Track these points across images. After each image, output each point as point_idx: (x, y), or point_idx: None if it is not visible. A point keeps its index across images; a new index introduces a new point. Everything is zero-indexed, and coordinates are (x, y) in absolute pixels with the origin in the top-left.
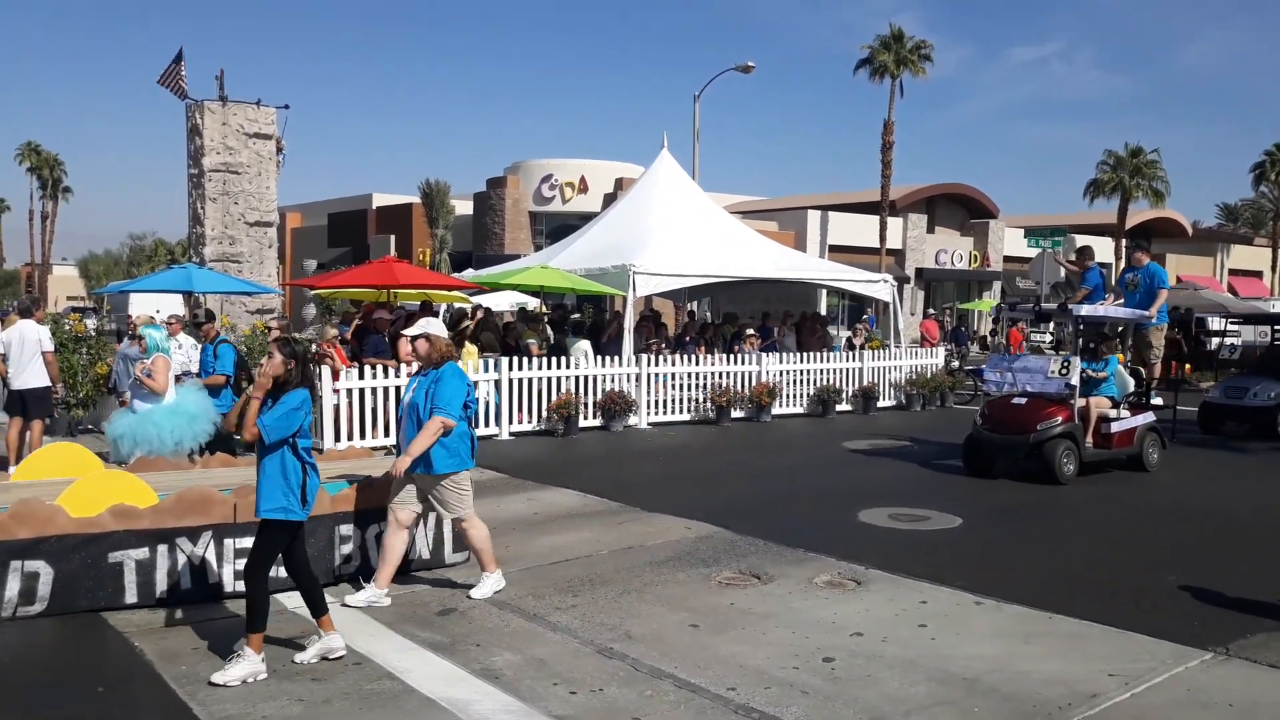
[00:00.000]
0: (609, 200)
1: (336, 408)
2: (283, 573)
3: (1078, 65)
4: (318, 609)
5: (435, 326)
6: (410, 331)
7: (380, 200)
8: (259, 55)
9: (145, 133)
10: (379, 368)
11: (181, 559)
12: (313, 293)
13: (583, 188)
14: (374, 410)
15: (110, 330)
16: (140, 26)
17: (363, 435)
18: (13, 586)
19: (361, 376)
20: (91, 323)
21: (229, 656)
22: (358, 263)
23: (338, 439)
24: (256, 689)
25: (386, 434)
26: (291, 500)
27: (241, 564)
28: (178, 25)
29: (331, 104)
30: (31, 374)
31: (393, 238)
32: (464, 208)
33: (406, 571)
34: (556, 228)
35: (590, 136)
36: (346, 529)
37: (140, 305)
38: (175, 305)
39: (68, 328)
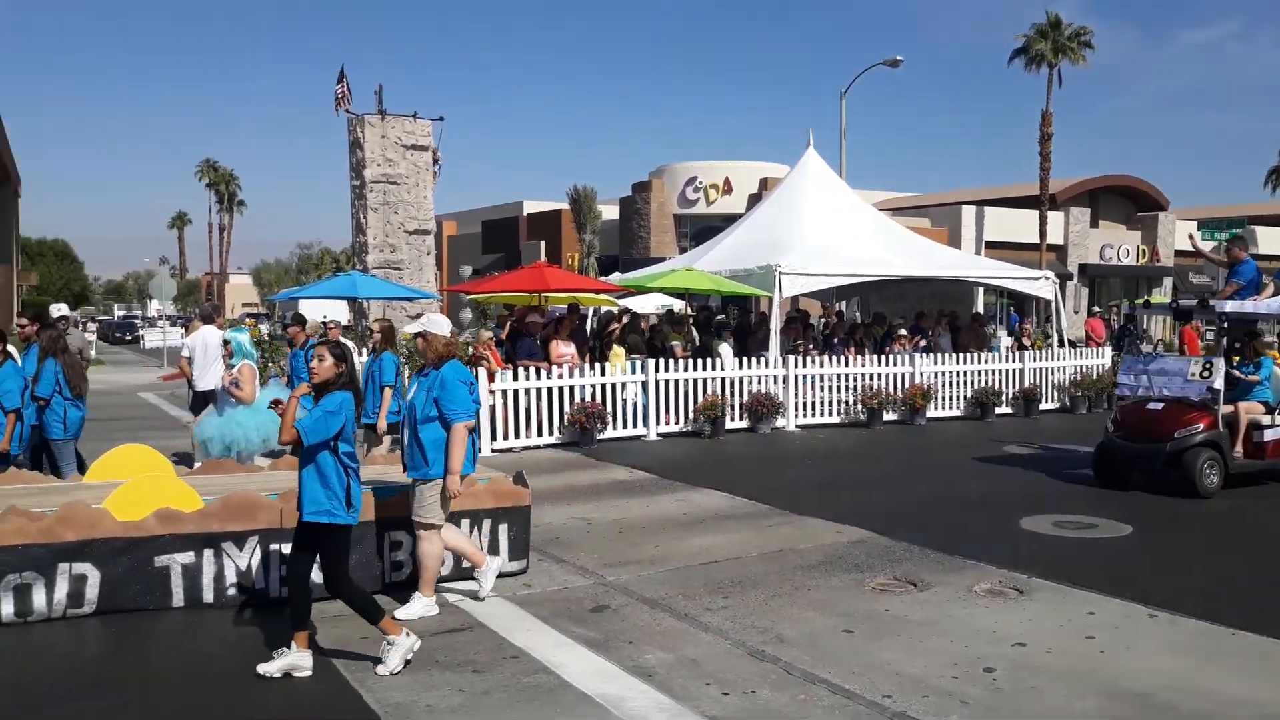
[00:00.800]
0: (753, 201)
1: (492, 408)
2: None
3: (1255, 45)
4: (299, 622)
5: (434, 324)
6: (411, 329)
7: (530, 207)
8: (415, 70)
9: (311, 147)
10: (531, 369)
11: (228, 564)
12: (469, 297)
13: (727, 189)
14: (527, 410)
15: (281, 335)
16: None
17: (517, 435)
18: (61, 588)
19: (515, 378)
20: (265, 328)
21: (383, 648)
22: (510, 268)
23: (493, 438)
24: (420, 679)
25: (540, 433)
26: (335, 504)
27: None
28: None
29: (484, 116)
30: (213, 376)
31: (543, 243)
32: (610, 212)
33: (449, 577)
34: (701, 230)
35: (735, 137)
36: (398, 535)
37: (309, 311)
38: (340, 311)
39: (244, 332)
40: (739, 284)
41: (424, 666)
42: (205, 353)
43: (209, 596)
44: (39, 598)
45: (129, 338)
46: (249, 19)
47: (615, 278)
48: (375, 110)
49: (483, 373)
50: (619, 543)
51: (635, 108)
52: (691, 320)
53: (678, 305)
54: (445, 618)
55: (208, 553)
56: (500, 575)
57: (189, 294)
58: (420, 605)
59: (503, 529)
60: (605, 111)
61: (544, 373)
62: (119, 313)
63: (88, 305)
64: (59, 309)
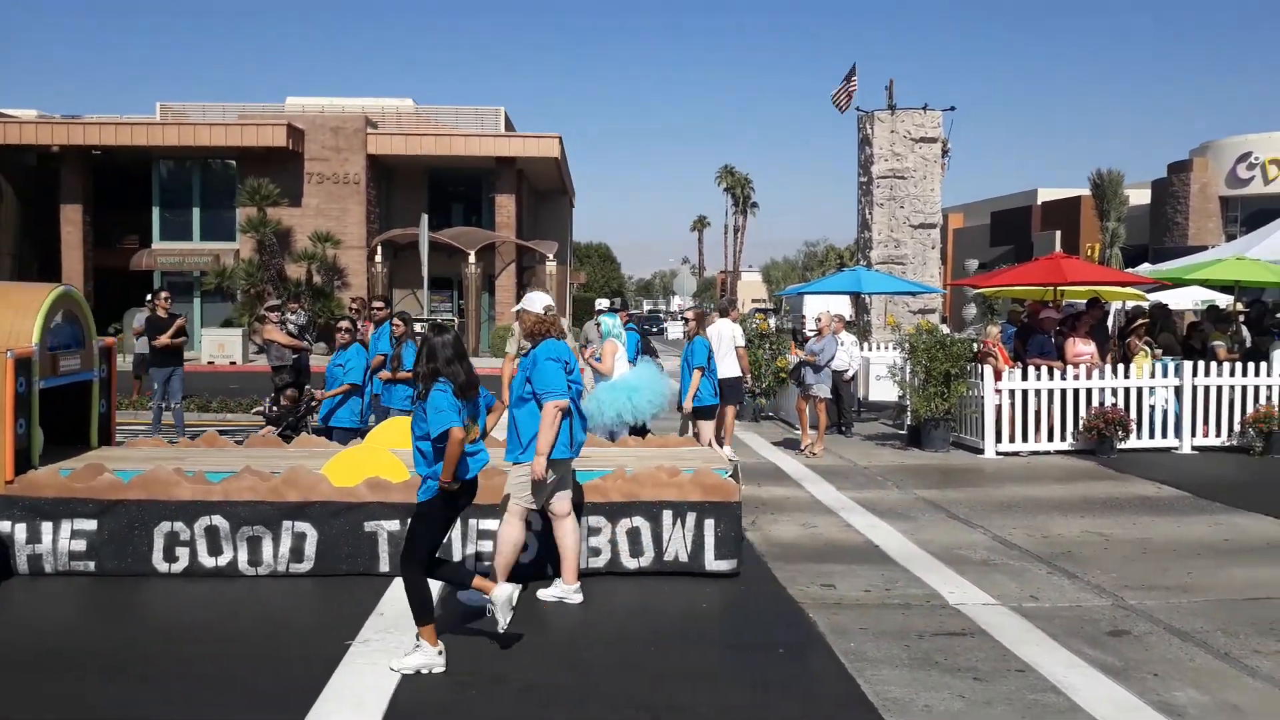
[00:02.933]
0: None
1: (998, 408)
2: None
3: None
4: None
5: (528, 301)
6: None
7: (1045, 195)
8: (928, 59)
9: (819, 148)
10: (1043, 368)
11: None
12: (974, 292)
13: None
14: (1036, 413)
15: (787, 329)
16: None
17: (1025, 438)
18: (285, 543)
19: (1025, 377)
20: (773, 322)
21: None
22: (1020, 261)
23: (999, 440)
24: (919, 678)
25: (1050, 439)
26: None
27: (485, 545)
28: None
29: (996, 102)
30: (727, 365)
31: (1058, 233)
32: (1138, 197)
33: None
34: (1255, 213)
35: None
36: (596, 520)
37: (813, 306)
38: (843, 306)
39: (754, 326)
40: None
41: (923, 666)
42: (720, 343)
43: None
44: (267, 550)
45: (655, 330)
46: (763, 32)
47: (1145, 269)
48: (885, 106)
49: (988, 371)
50: (1142, 564)
51: (1170, 83)
52: (1241, 318)
53: (1223, 301)
54: (946, 620)
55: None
56: (708, 575)
57: (705, 290)
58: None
59: (709, 524)
60: (1135, 89)
61: (1058, 373)
62: (646, 307)
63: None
64: (602, 303)
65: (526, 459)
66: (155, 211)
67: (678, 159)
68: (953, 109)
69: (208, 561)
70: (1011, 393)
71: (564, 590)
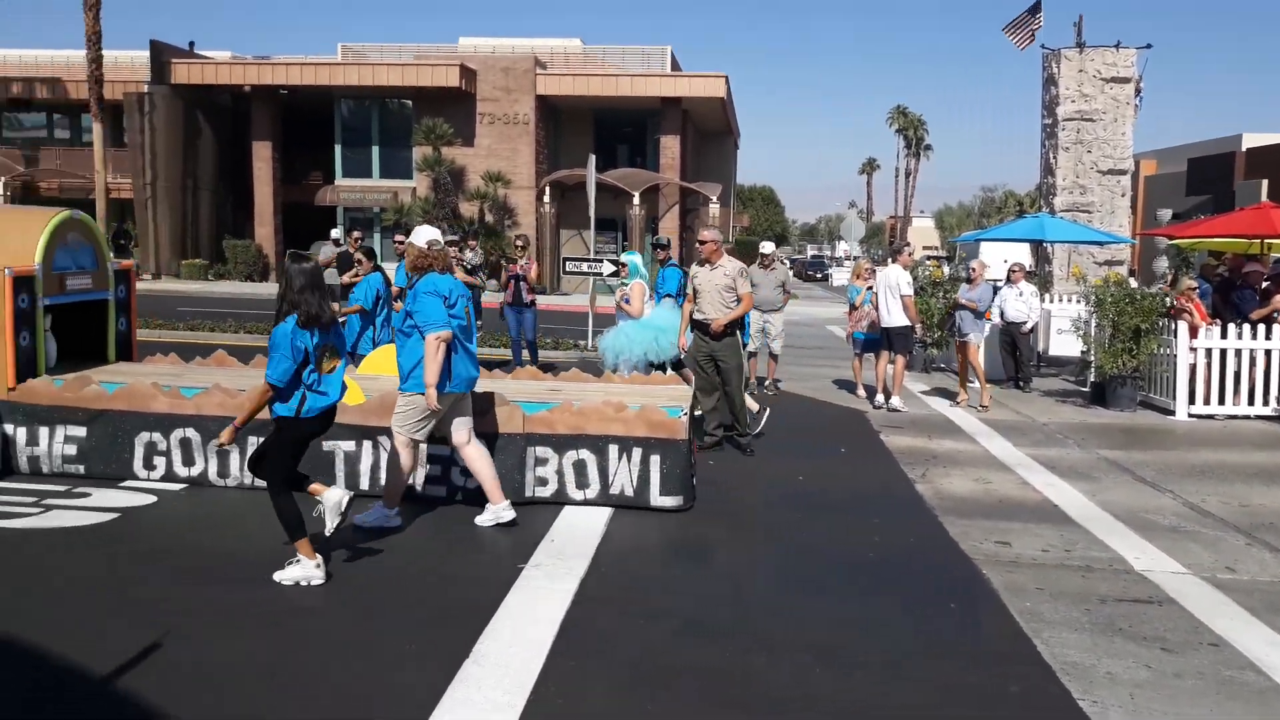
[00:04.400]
0: None
1: (1192, 367)
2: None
3: None
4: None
5: (414, 234)
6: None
7: (1251, 141)
8: None
9: (1001, 88)
10: (1244, 327)
11: (382, 454)
12: (1168, 243)
13: None
14: (1235, 374)
15: (962, 277)
16: None
17: (1221, 400)
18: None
19: (1224, 336)
20: (946, 270)
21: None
22: (1219, 211)
23: (1192, 401)
24: (1101, 644)
25: (1251, 402)
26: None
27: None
28: None
29: (1194, 39)
30: (895, 314)
31: (1265, 182)
32: None
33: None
34: None
35: None
36: (544, 452)
37: (989, 254)
38: (1022, 254)
39: (926, 274)
40: None
41: (1105, 632)
42: (886, 290)
43: (365, 484)
44: (234, 463)
45: (819, 275)
46: None
47: None
48: (1074, 43)
49: (1183, 328)
50: None
51: None
52: None
53: None
54: (1130, 585)
55: (366, 444)
56: (654, 510)
57: (873, 236)
58: (376, 514)
59: (654, 460)
60: None
61: (1261, 331)
62: (810, 252)
63: (785, 245)
64: (766, 246)
65: (408, 389)
66: (337, 149)
67: (846, 99)
68: (1148, 47)
69: (181, 471)
70: (1209, 351)
71: (495, 512)
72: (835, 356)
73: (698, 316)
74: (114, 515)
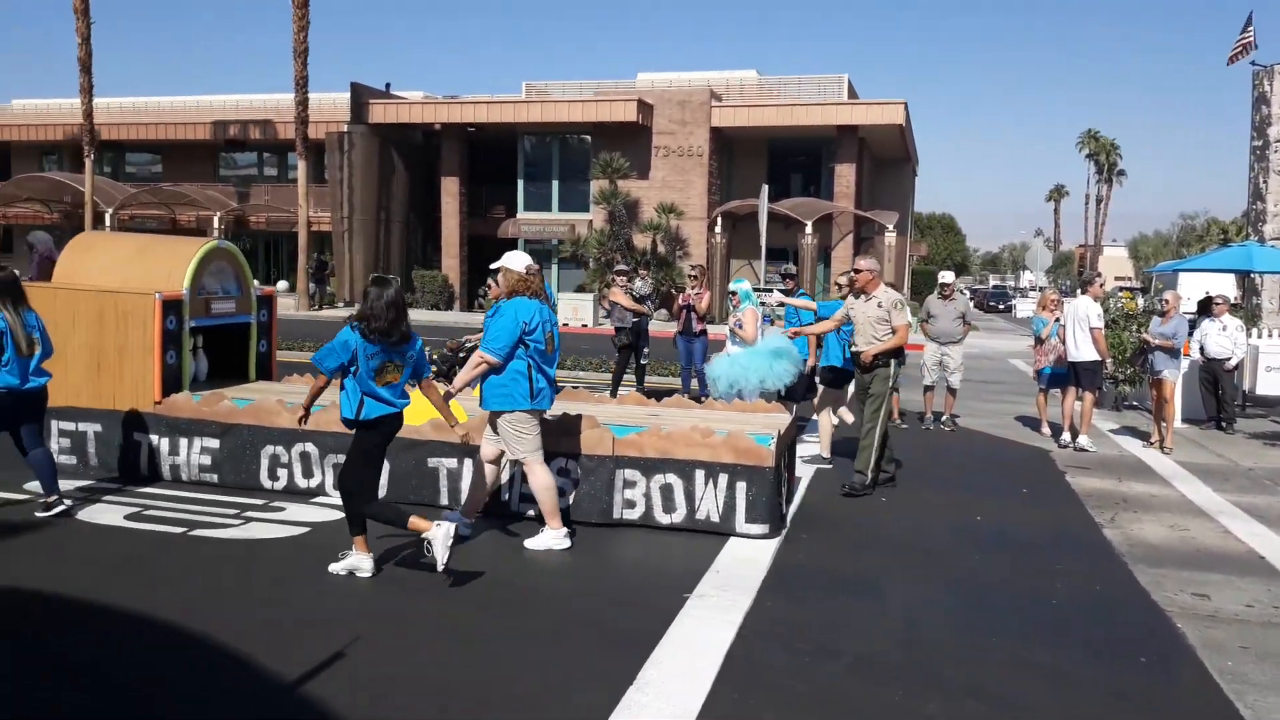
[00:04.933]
0: None
1: None
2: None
3: None
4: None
5: (509, 260)
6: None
7: None
8: None
9: (1203, 110)
10: None
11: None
12: None
13: None
14: None
15: (1159, 310)
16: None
17: None
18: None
19: None
20: (1141, 302)
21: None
22: None
23: None
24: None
25: None
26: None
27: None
28: None
29: None
30: (1083, 348)
31: None
32: None
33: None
34: None
35: None
36: (632, 474)
37: (1189, 285)
38: (1227, 285)
39: (1119, 305)
40: None
41: None
42: (1075, 323)
43: (464, 499)
44: None
45: (1001, 306)
46: None
47: None
48: None
49: None
50: None
51: None
52: None
53: None
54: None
55: (468, 460)
56: (742, 537)
57: (1061, 266)
58: (549, 537)
59: (740, 486)
60: None
61: None
62: (993, 282)
63: (966, 275)
64: (946, 275)
65: (492, 408)
66: (519, 184)
67: (1032, 124)
68: None
69: (301, 483)
70: None
71: (555, 537)
72: (1018, 392)
73: (853, 349)
74: (305, 529)
